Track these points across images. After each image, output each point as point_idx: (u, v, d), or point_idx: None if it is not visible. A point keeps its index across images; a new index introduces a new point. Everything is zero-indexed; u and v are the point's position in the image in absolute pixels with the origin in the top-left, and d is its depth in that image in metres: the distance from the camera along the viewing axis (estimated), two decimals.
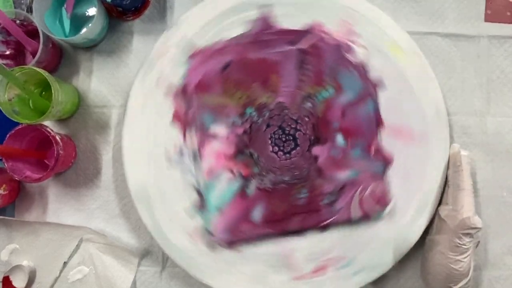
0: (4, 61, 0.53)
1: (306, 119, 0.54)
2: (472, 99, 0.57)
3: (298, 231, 0.53)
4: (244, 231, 0.53)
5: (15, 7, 0.56)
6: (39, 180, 0.50)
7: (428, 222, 0.52)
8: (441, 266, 0.48)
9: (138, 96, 0.53)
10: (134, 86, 0.53)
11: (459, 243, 0.47)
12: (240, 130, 0.54)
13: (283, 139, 0.54)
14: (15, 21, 0.51)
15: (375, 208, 0.53)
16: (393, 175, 0.53)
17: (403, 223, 0.52)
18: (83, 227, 0.54)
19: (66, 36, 0.54)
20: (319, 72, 0.54)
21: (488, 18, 0.57)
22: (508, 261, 0.55)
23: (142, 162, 0.53)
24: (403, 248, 0.52)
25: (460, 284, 0.48)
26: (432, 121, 0.53)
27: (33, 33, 0.51)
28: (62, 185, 0.56)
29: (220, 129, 0.54)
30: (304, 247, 0.53)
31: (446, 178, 0.52)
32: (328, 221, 0.53)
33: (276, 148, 0.54)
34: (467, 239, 0.47)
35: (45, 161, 0.54)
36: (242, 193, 0.53)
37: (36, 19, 0.50)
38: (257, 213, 0.53)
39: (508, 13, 0.57)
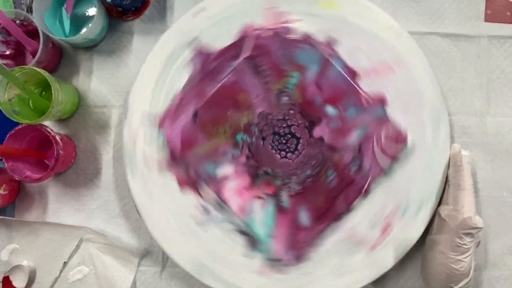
0: (4, 61, 0.53)
1: (291, 112, 0.54)
2: (472, 99, 0.57)
3: (347, 209, 0.53)
4: (303, 240, 0.53)
5: (15, 7, 0.56)
6: (39, 180, 0.50)
7: (428, 222, 0.52)
8: (442, 266, 0.48)
9: (139, 191, 0.53)
10: (131, 184, 0.53)
11: (460, 243, 0.47)
12: (243, 159, 0.54)
13: (283, 141, 0.54)
14: (15, 21, 0.51)
15: (398, 148, 0.53)
16: (394, 110, 0.54)
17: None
18: (83, 227, 0.54)
19: (66, 36, 0.54)
20: (275, 66, 0.54)
21: (488, 18, 0.57)
22: (509, 261, 0.55)
23: (182, 240, 0.53)
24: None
25: (461, 284, 0.48)
26: (398, 44, 0.54)
27: (33, 33, 0.51)
28: (62, 185, 0.56)
29: (226, 169, 0.54)
30: (360, 219, 0.53)
31: (447, 178, 0.52)
32: (366, 184, 0.53)
33: (283, 153, 0.54)
34: (468, 239, 0.47)
35: (45, 161, 0.54)
36: (279, 209, 0.53)
37: (36, 19, 0.50)
38: (304, 217, 0.53)
39: (508, 13, 0.57)
